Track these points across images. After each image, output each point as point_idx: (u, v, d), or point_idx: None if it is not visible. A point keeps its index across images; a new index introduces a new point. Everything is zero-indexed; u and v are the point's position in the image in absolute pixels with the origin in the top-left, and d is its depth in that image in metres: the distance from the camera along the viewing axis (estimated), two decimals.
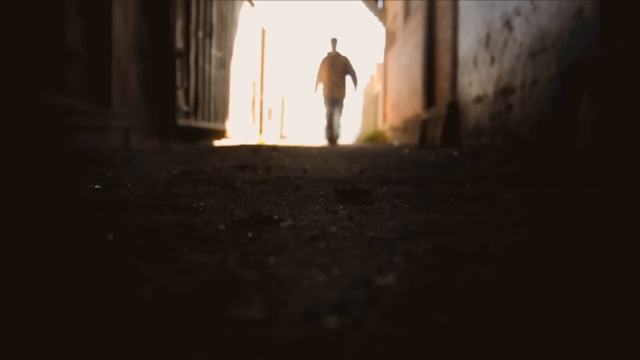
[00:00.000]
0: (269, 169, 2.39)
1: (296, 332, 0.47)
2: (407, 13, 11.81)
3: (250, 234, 0.90)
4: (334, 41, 11.48)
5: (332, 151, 4.90)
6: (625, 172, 2.08)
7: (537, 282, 0.63)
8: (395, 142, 11.85)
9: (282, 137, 17.71)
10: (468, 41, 6.16)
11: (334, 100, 11.55)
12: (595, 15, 3.05)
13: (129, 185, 1.64)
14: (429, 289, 0.61)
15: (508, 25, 4.75)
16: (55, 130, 3.25)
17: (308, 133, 31.01)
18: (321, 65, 11.72)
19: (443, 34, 7.86)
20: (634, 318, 0.51)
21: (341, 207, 1.24)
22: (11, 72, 2.92)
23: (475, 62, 5.88)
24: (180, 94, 5.63)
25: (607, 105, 2.84)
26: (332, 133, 11.75)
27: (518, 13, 4.46)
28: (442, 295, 0.59)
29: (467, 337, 0.46)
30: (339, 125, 11.69)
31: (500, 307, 0.54)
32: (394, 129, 12.83)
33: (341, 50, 11.58)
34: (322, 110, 11.71)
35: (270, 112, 14.44)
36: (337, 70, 11.49)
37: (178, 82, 5.47)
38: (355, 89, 11.71)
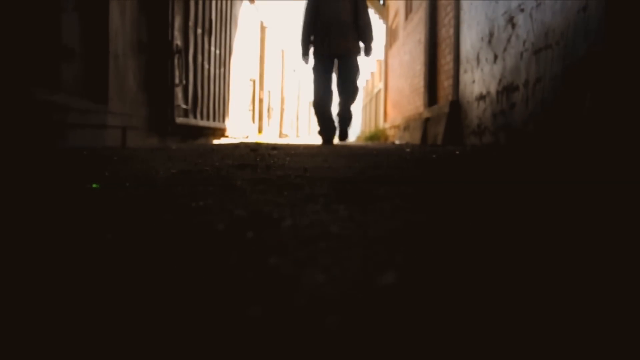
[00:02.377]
0: (269, 168, 2.36)
1: (296, 330, 0.47)
2: (408, 10, 11.76)
3: (249, 234, 0.88)
4: None
5: (333, 150, 4.88)
6: (633, 169, 2.05)
7: (543, 282, 0.60)
8: (397, 141, 11.81)
9: (282, 135, 17.70)
10: (471, 38, 6.12)
11: (338, 58, 6.47)
12: (601, 12, 3.01)
13: (127, 184, 1.61)
14: (430, 289, 0.59)
15: (511, 22, 4.71)
16: (50, 128, 3.21)
17: (308, 131, 31.05)
18: (313, 1, 6.47)
19: (445, 32, 7.82)
20: None
21: (342, 206, 1.21)
22: (3, 68, 2.88)
23: (478, 59, 5.85)
24: (178, 91, 5.60)
25: (613, 103, 2.80)
26: (332, 122, 6.62)
27: (522, 10, 4.42)
28: (444, 295, 0.56)
29: (469, 342, 0.43)
30: (346, 107, 6.60)
31: (506, 308, 0.51)
32: (396, 127, 12.80)
33: None
34: (314, 80, 6.62)
35: (270, 110, 14.42)
36: (344, 7, 6.32)
37: (177, 80, 5.43)
38: (369, 52, 6.61)
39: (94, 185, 1.55)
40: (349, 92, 6.59)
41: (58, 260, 0.71)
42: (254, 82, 11.63)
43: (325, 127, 6.71)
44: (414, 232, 0.92)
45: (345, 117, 6.71)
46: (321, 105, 6.60)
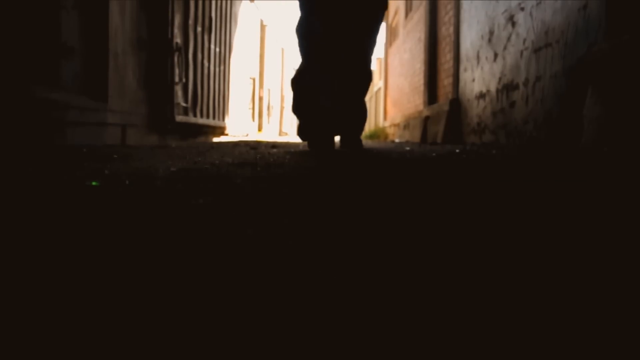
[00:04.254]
0: (269, 166, 2.36)
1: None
2: (408, 8, 11.75)
3: (249, 232, 0.88)
4: None
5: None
6: (631, 170, 2.05)
7: (547, 282, 0.60)
8: (397, 139, 11.80)
9: (281, 133, 17.70)
10: (471, 37, 6.11)
11: (344, 12, 3.69)
12: (601, 10, 3.00)
13: (127, 182, 1.61)
14: (428, 288, 0.59)
15: (511, 20, 4.70)
16: (50, 126, 3.21)
17: None
18: None
19: (445, 30, 7.82)
20: None
21: (342, 205, 1.21)
22: (3, 66, 2.87)
23: (478, 58, 5.84)
24: (178, 89, 5.59)
25: (613, 101, 2.80)
26: (328, 112, 3.62)
27: (522, 8, 4.42)
28: (443, 297, 0.55)
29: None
30: (359, 88, 3.90)
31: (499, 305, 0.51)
32: (395, 125, 12.79)
33: None
34: (300, 27, 3.79)
35: (269, 108, 14.41)
36: None
37: (176, 78, 5.43)
38: None
39: (93, 183, 1.54)
40: (363, 59, 3.77)
41: (58, 257, 0.71)
42: (253, 80, 11.62)
43: (317, 118, 3.63)
44: (414, 231, 0.92)
45: (355, 106, 3.88)
46: (312, 75, 3.66)
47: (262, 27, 12.63)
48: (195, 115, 6.31)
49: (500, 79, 5.00)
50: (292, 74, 4.01)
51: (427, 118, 8.39)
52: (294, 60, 19.21)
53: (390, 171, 2.16)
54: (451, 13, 7.15)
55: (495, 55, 5.14)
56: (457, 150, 3.88)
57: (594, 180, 1.75)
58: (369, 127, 22.70)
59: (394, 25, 14.51)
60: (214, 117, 7.27)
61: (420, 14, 9.62)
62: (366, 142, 10.17)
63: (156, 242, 0.82)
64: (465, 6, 6.36)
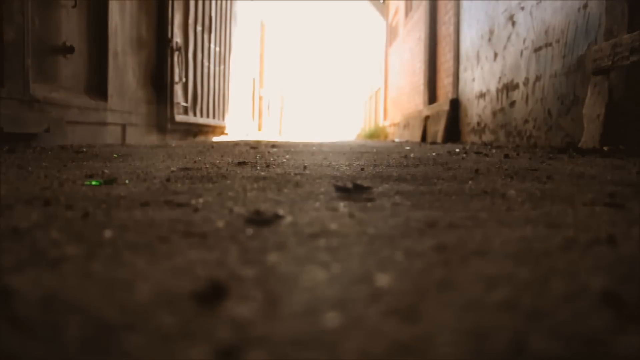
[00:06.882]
0: (268, 165, 2.36)
1: (295, 329, 0.47)
2: (408, 8, 11.76)
3: (249, 231, 0.88)
4: None
5: (332, 148, 4.87)
6: (629, 166, 2.05)
7: (545, 281, 0.60)
8: (397, 139, 11.81)
9: (281, 133, 17.71)
10: (471, 36, 6.12)
11: None
12: (601, 9, 3.01)
13: (126, 181, 1.61)
14: (431, 286, 0.59)
15: (511, 20, 4.71)
16: (50, 125, 3.21)
17: (308, 129, 31.08)
18: None
19: (445, 29, 7.82)
20: None
21: (342, 204, 1.21)
22: (3, 66, 2.88)
23: (478, 57, 5.85)
24: (178, 89, 5.60)
25: (613, 101, 2.80)
26: None
27: (522, 8, 4.42)
28: (444, 293, 0.56)
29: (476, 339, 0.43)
30: None
31: (507, 306, 0.51)
32: (395, 125, 12.80)
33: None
34: None
35: (269, 108, 14.42)
36: None
37: (176, 77, 5.44)
38: None
39: (93, 183, 1.55)
40: None
41: (54, 259, 0.71)
42: (254, 80, 11.63)
43: None
44: (414, 229, 0.92)
45: None
46: None
47: (262, 26, 12.63)
48: (195, 115, 6.31)
49: (500, 78, 5.00)
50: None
51: (427, 117, 8.40)
52: (295, 60, 19.16)
53: (389, 172, 2.16)
54: (451, 12, 7.16)
55: (495, 54, 5.14)
56: (458, 150, 3.88)
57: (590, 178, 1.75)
58: (368, 126, 22.67)
59: (394, 25, 14.51)
60: (214, 117, 7.28)
61: (420, 13, 9.62)
62: (366, 141, 10.15)
63: (152, 240, 0.82)
64: (465, 6, 6.36)
